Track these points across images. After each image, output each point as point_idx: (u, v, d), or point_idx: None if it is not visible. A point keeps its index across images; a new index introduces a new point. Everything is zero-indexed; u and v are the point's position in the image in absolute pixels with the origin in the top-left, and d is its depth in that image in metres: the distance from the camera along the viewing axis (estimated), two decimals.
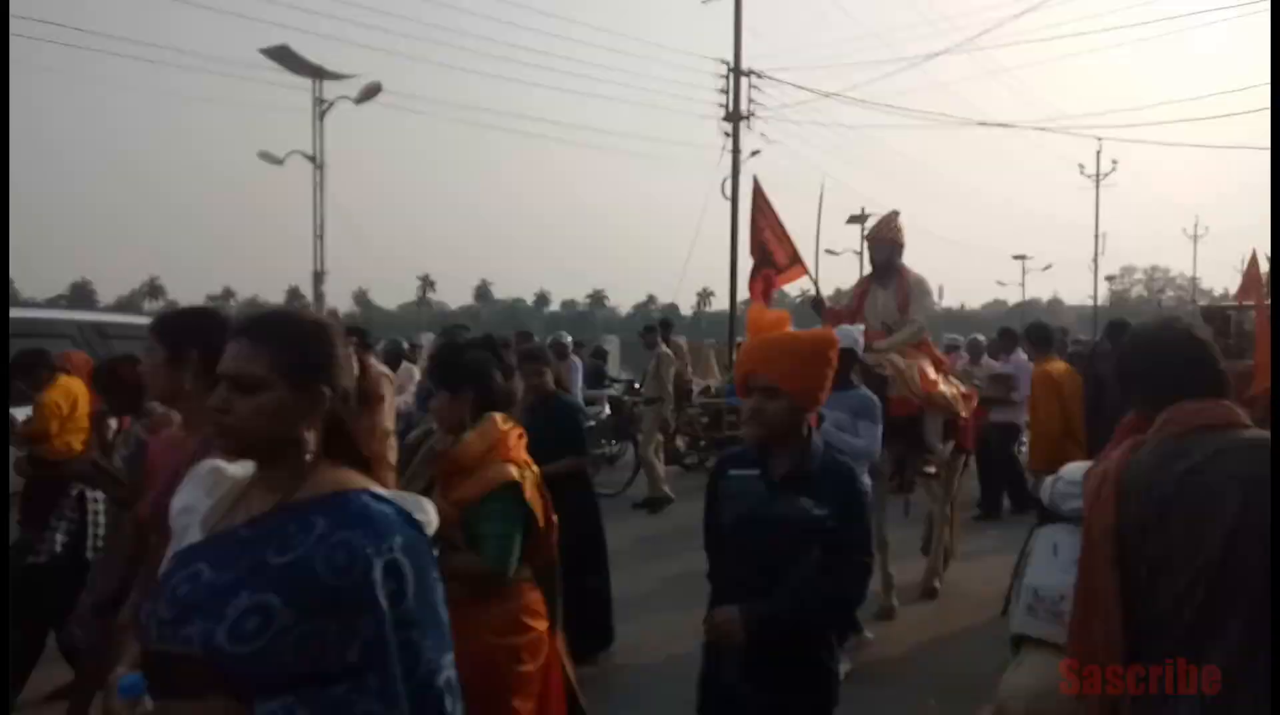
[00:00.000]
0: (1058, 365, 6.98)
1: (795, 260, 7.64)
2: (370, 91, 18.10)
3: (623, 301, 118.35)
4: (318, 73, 20.40)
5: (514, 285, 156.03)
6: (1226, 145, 51.85)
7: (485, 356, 2.71)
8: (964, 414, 5.88)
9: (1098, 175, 38.96)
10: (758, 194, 7.46)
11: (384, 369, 6.10)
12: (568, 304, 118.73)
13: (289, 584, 1.20)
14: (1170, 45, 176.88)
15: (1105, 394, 5.83)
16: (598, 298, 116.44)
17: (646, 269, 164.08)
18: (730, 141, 21.08)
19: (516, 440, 2.59)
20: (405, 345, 9.43)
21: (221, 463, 1.41)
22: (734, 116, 20.99)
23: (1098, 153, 38.09)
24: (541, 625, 2.58)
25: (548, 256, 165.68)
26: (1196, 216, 56.95)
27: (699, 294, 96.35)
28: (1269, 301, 11.34)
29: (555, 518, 2.66)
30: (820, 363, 2.41)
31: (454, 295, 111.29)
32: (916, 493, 6.07)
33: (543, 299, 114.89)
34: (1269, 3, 3.35)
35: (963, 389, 5.98)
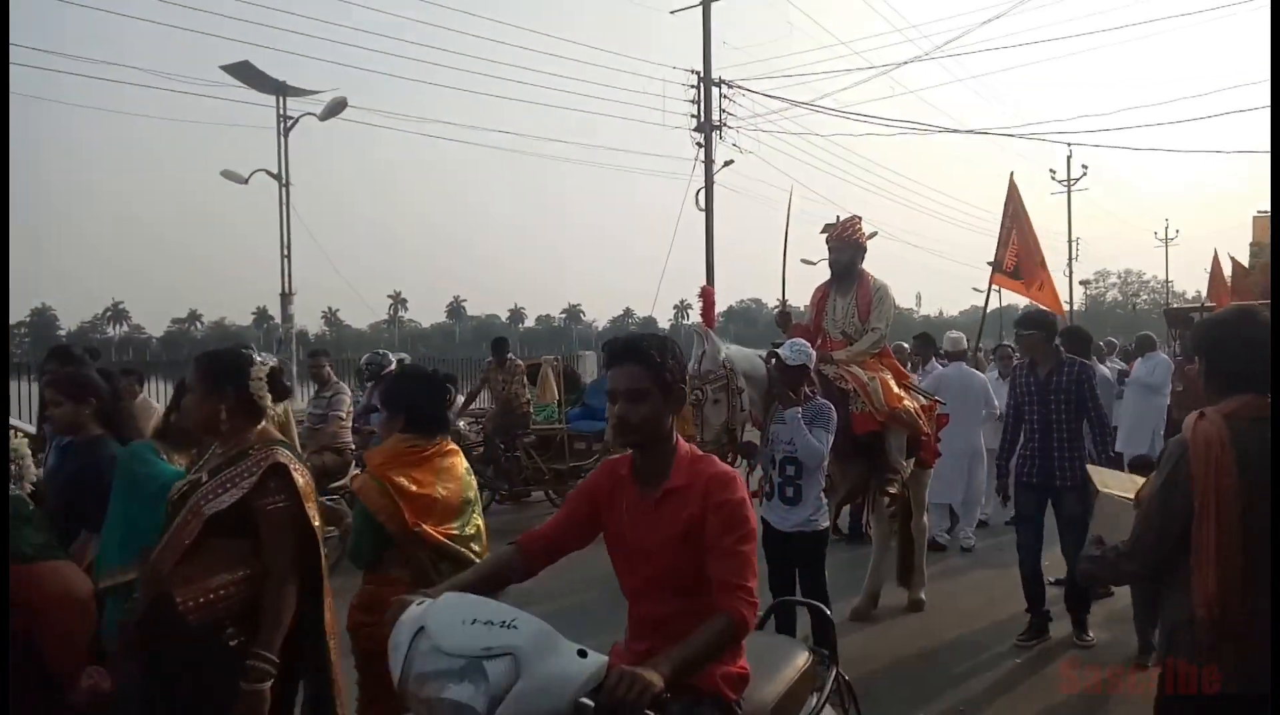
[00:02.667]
0: None
1: (1021, 273, 7.86)
2: (335, 107, 17.93)
3: (599, 315, 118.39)
4: (281, 89, 20.24)
5: (488, 302, 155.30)
6: (1194, 149, 52.77)
7: (419, 386, 3.06)
8: (927, 429, 5.66)
9: (1069, 180, 39.46)
10: (1012, 193, 7.54)
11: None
12: (543, 319, 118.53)
13: None
14: (1138, 51, 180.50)
15: (1023, 406, 5.21)
16: (573, 312, 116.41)
17: (623, 282, 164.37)
18: (702, 152, 21.22)
19: (394, 458, 2.90)
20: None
21: None
22: (705, 126, 21.13)
23: (1068, 158, 38.62)
24: None
25: (522, 272, 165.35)
26: (1167, 220, 57.89)
27: (676, 306, 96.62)
28: (1231, 301, 11.58)
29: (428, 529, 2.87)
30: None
31: (426, 313, 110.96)
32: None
33: (517, 315, 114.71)
34: (1269, 4, 3.38)
35: (923, 402, 5.78)
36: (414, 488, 2.84)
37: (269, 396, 2.63)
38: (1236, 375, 2.34)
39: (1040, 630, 5.23)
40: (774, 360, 4.55)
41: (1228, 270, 13.23)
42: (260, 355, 2.69)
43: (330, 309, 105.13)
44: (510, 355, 9.57)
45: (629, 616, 2.23)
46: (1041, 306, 7.32)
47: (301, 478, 2.55)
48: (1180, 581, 2.30)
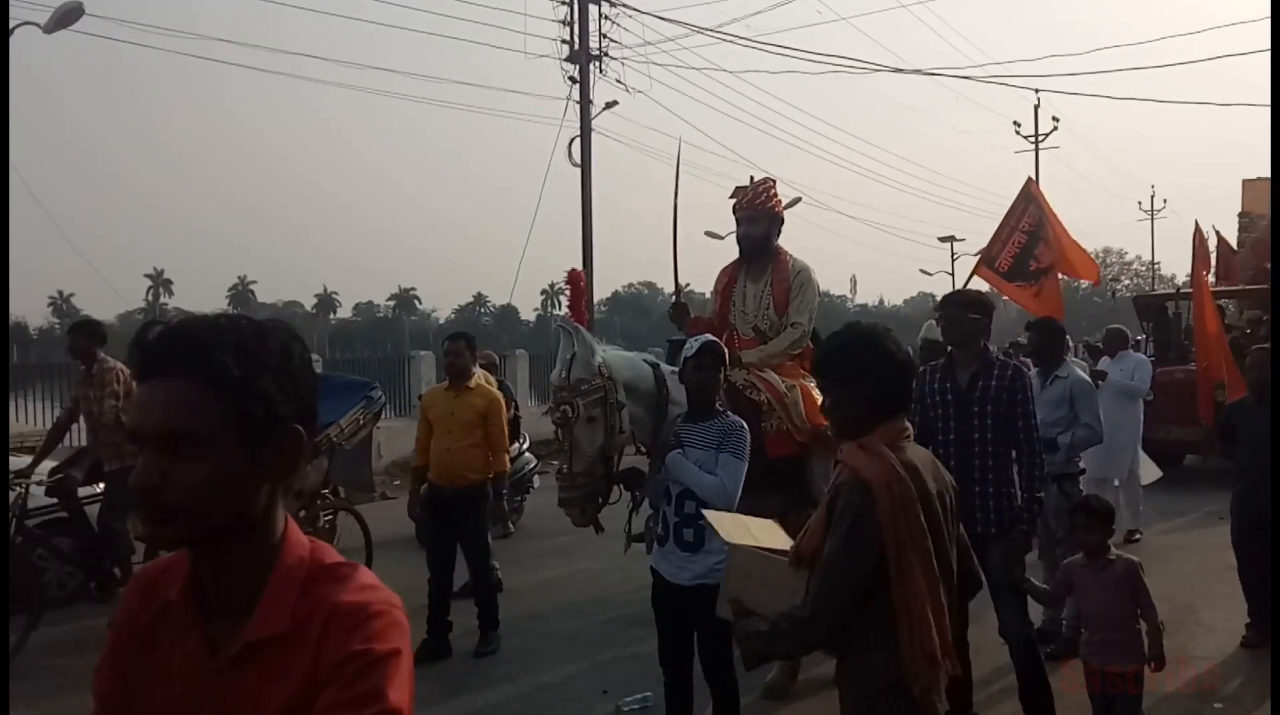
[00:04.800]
0: None
1: (1016, 277, 8.55)
2: (67, 15, 17.18)
3: (441, 303, 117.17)
4: None
5: (286, 285, 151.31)
6: (1188, 100, 56.61)
7: None
8: None
9: (1036, 136, 41.50)
10: (1036, 196, 8.28)
11: None
12: (363, 308, 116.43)
13: None
14: None
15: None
16: (405, 299, 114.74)
17: (473, 260, 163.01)
18: (577, 89, 21.26)
19: None
20: None
21: None
22: (580, 55, 21.19)
23: (1036, 108, 40.59)
24: None
25: (335, 245, 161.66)
26: (1153, 187, 62.00)
27: (545, 291, 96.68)
28: (1217, 284, 12.50)
29: None
30: None
31: (199, 299, 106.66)
32: None
33: (327, 302, 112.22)
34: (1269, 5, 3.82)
35: None
36: None
37: None
38: (878, 399, 2.67)
39: None
40: (685, 363, 4.49)
41: (1212, 247, 14.27)
42: None
43: (61, 294, 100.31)
44: (103, 355, 7.14)
45: None
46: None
47: None
48: (870, 643, 2.58)
